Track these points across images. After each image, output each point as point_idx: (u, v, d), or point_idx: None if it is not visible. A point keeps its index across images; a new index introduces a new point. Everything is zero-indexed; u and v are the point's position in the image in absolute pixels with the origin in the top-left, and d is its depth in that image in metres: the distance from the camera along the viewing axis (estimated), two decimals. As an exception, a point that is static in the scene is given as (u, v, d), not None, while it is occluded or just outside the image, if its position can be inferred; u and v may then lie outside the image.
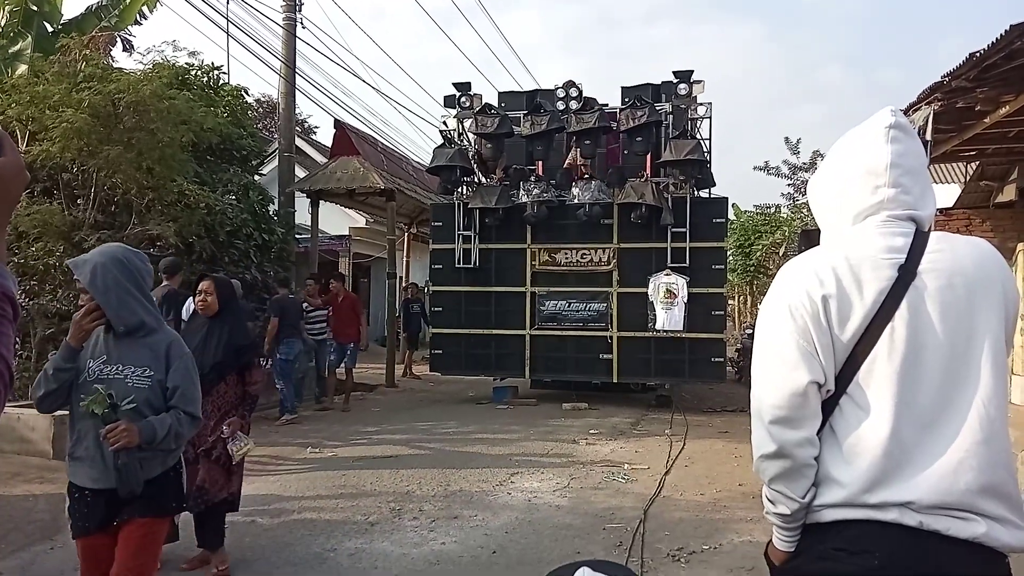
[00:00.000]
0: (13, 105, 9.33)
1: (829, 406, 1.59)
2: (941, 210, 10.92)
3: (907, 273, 1.56)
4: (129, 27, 14.09)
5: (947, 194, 13.16)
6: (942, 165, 13.81)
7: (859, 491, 1.52)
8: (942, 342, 1.54)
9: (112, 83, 9.25)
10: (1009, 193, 11.20)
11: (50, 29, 12.45)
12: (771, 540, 1.73)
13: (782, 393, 1.58)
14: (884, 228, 1.63)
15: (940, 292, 1.55)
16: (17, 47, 11.90)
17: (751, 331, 15.96)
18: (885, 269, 1.57)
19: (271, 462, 7.67)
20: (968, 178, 12.39)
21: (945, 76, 6.70)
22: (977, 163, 11.21)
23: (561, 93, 11.41)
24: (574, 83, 11.36)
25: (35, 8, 12.11)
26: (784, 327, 1.60)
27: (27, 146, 9.21)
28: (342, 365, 11.49)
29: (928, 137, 7.00)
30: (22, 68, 11.17)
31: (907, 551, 1.50)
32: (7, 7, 12.04)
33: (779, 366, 1.60)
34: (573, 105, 11.22)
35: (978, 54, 6.15)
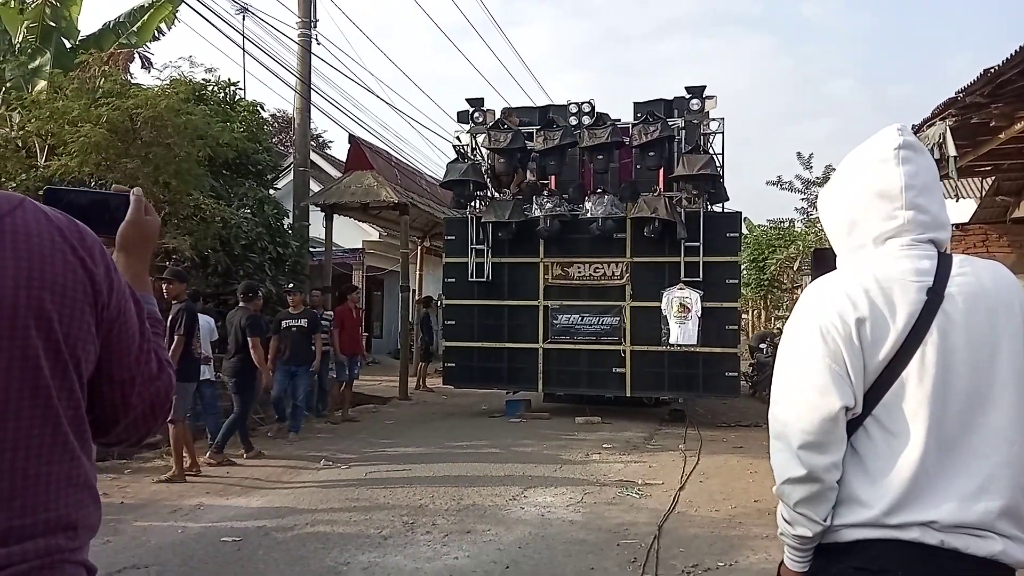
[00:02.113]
0: (33, 120, 9.45)
1: (852, 427, 1.58)
2: (957, 225, 10.86)
3: (936, 296, 1.55)
4: (147, 43, 14.26)
5: (963, 209, 13.09)
6: (958, 180, 13.75)
7: (883, 513, 1.52)
8: (967, 366, 1.54)
9: (130, 99, 9.36)
10: (1025, 208, 11.13)
11: (68, 45, 12.60)
12: (783, 561, 1.72)
13: (813, 418, 1.56)
14: (909, 250, 1.62)
15: (966, 316, 1.55)
16: (36, 63, 12.04)
17: (763, 346, 15.88)
18: (914, 292, 1.56)
19: (284, 475, 7.70)
20: (984, 193, 12.33)
21: (959, 92, 6.68)
22: (992, 178, 11.16)
23: (574, 108, 11.47)
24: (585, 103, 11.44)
25: (53, 24, 12.26)
26: (815, 350, 1.58)
27: (47, 160, 9.32)
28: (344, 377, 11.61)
29: (952, 152, 6.96)
30: (41, 84, 11.31)
31: (928, 569, 1.51)
32: (26, 23, 12.20)
33: (809, 390, 1.58)
34: (585, 120, 11.28)
35: (993, 70, 6.14)
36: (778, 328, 21.67)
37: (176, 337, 7.40)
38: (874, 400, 1.56)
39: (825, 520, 1.58)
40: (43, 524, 1.11)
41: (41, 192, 1.38)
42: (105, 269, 1.20)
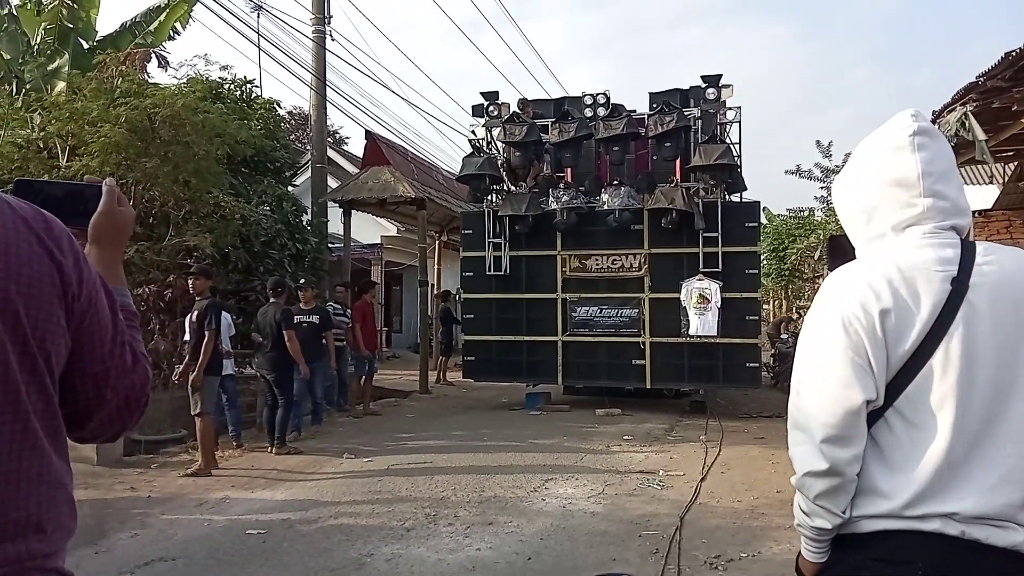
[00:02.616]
0: (53, 122, 9.56)
1: (872, 418, 1.56)
2: (980, 212, 10.74)
3: (961, 286, 1.53)
4: (163, 43, 14.37)
5: (986, 196, 12.94)
6: (981, 166, 13.59)
7: (905, 504, 1.51)
8: (992, 356, 1.52)
9: (148, 98, 9.45)
10: (1049, 193, 10.98)
11: (86, 46, 12.72)
12: (800, 552, 1.71)
13: (835, 411, 1.54)
14: (932, 238, 1.59)
15: (991, 306, 1.52)
16: (55, 64, 12.18)
17: (785, 335, 15.79)
18: (938, 282, 1.53)
19: (308, 468, 7.76)
20: (1007, 179, 12.18)
21: (980, 76, 6.59)
22: (1015, 164, 11.03)
23: (588, 100, 11.43)
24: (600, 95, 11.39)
25: (70, 25, 12.38)
26: (837, 341, 1.56)
27: (68, 161, 9.42)
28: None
29: (980, 136, 6.86)
30: (61, 85, 11.43)
31: (949, 560, 1.50)
32: (43, 25, 12.33)
33: (832, 383, 1.55)
34: (601, 112, 11.24)
35: (1014, 53, 6.06)
36: (797, 314, 21.53)
37: (207, 332, 7.58)
38: (896, 392, 1.54)
39: (844, 512, 1.57)
40: (13, 525, 1.07)
41: (11, 184, 1.35)
42: (74, 259, 1.16)
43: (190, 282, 7.99)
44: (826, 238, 20.96)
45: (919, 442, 1.52)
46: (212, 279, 8.34)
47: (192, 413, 7.63)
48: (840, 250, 1.91)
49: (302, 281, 10.65)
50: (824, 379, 1.57)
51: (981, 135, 6.79)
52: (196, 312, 7.73)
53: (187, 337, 8.70)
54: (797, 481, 1.62)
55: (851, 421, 1.53)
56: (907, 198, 1.61)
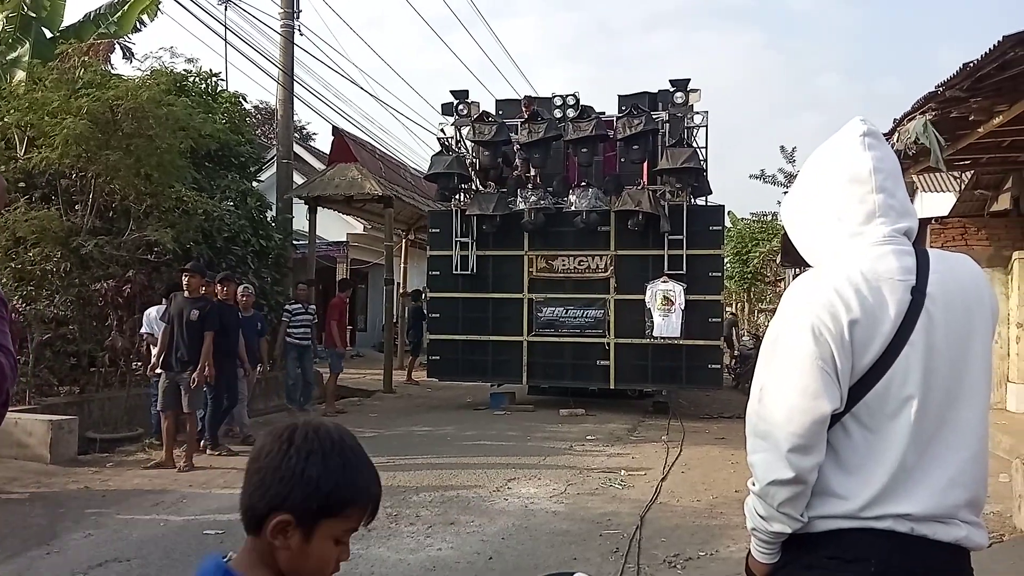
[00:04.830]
0: (12, 112, 9.34)
1: (829, 422, 1.58)
2: (936, 219, 10.97)
3: (920, 296, 1.56)
4: (128, 34, 14.12)
5: (942, 203, 13.23)
6: (937, 174, 13.87)
7: (861, 507, 1.55)
8: (946, 364, 1.56)
9: (111, 90, 9.27)
10: (1004, 202, 11.25)
11: (48, 35, 12.45)
12: (750, 553, 1.73)
13: (804, 421, 1.54)
14: (890, 245, 1.62)
15: (945, 314, 1.56)
16: (15, 53, 11.89)
17: (746, 338, 15.98)
18: (900, 292, 1.56)
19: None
20: (963, 187, 12.45)
21: (939, 86, 6.74)
22: (972, 172, 11.29)
23: (558, 101, 11.47)
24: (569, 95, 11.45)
25: (33, 15, 12.11)
26: (806, 350, 1.56)
27: (26, 153, 9.22)
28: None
29: (940, 143, 7.03)
30: (20, 75, 11.17)
31: (900, 556, 1.54)
32: (4, 13, 12.03)
33: (800, 393, 1.56)
34: (570, 113, 11.29)
35: (972, 64, 6.20)
36: (732, 313, 21.76)
37: (206, 336, 7.66)
38: (855, 399, 1.56)
39: (803, 516, 1.59)
40: None
41: None
42: None
43: (184, 280, 7.84)
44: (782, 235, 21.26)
45: (875, 446, 1.55)
46: (206, 277, 8.25)
47: (185, 410, 7.67)
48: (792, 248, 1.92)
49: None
50: (791, 388, 1.57)
51: (940, 144, 6.95)
52: (196, 312, 7.66)
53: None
54: (760, 489, 1.62)
55: (817, 430, 1.55)
56: (861, 194, 1.64)
